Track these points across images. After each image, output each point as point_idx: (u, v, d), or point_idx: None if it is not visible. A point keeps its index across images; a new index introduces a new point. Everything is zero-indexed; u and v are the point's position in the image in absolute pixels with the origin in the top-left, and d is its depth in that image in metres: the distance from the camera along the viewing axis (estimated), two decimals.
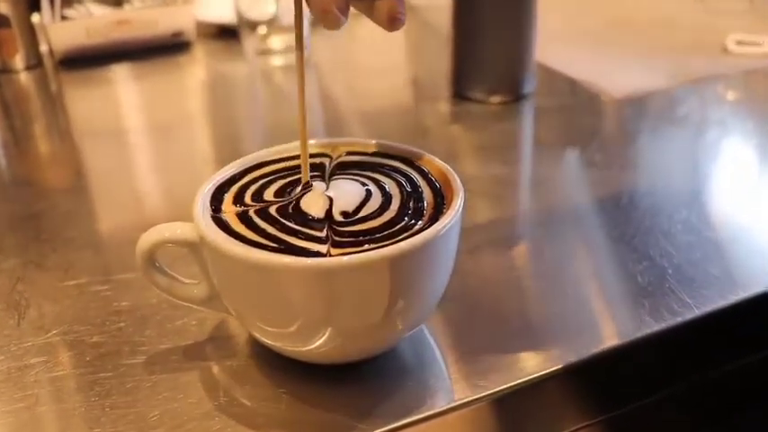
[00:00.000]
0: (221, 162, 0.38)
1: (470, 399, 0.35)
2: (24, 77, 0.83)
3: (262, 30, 0.82)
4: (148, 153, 0.66)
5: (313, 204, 0.35)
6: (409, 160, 0.38)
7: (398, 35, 0.98)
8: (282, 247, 0.32)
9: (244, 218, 0.34)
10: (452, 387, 0.36)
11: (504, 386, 0.35)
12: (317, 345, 0.33)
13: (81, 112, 0.78)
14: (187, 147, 0.67)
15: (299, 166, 0.38)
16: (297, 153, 0.39)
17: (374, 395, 0.35)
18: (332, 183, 0.36)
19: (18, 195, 0.58)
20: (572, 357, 0.37)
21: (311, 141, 0.40)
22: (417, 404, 0.35)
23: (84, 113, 0.77)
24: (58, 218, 0.54)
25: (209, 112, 0.77)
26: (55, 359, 0.38)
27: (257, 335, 0.36)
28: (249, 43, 0.84)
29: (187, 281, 0.37)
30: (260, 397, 0.35)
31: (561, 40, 0.85)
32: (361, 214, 0.34)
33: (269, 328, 0.34)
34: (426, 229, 0.32)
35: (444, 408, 0.35)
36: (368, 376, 0.36)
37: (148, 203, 0.57)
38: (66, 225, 0.52)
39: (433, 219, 0.33)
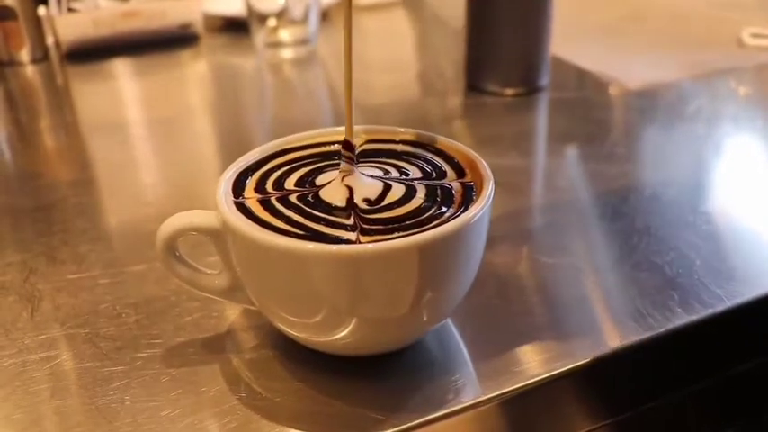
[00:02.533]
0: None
1: (498, 393, 0.34)
2: (30, 71, 0.82)
3: (271, 22, 0.81)
4: (156, 146, 0.65)
5: (333, 193, 0.34)
6: (434, 147, 0.37)
7: (407, 29, 0.97)
8: (310, 234, 0.31)
9: (267, 205, 0.33)
10: (478, 382, 0.35)
11: (532, 380, 0.34)
12: (341, 335, 0.32)
13: (88, 105, 0.76)
14: (195, 140, 0.66)
15: (320, 154, 0.37)
16: (318, 141, 0.38)
17: (398, 389, 0.34)
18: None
19: (26, 188, 0.57)
20: (600, 350, 0.36)
21: (336, 129, 0.39)
22: (443, 399, 0.33)
23: (91, 106, 0.76)
24: (68, 211, 0.53)
25: (218, 105, 0.76)
26: (70, 352, 0.37)
27: (280, 325, 0.35)
28: (258, 36, 0.83)
29: (208, 271, 0.36)
30: (282, 390, 0.34)
31: (576, 34, 0.84)
32: (386, 202, 0.33)
33: (293, 318, 0.33)
34: (457, 216, 0.31)
35: (471, 402, 0.33)
36: (392, 370, 0.35)
37: (158, 196, 0.56)
38: (76, 218, 0.51)
39: (462, 206, 0.32)
